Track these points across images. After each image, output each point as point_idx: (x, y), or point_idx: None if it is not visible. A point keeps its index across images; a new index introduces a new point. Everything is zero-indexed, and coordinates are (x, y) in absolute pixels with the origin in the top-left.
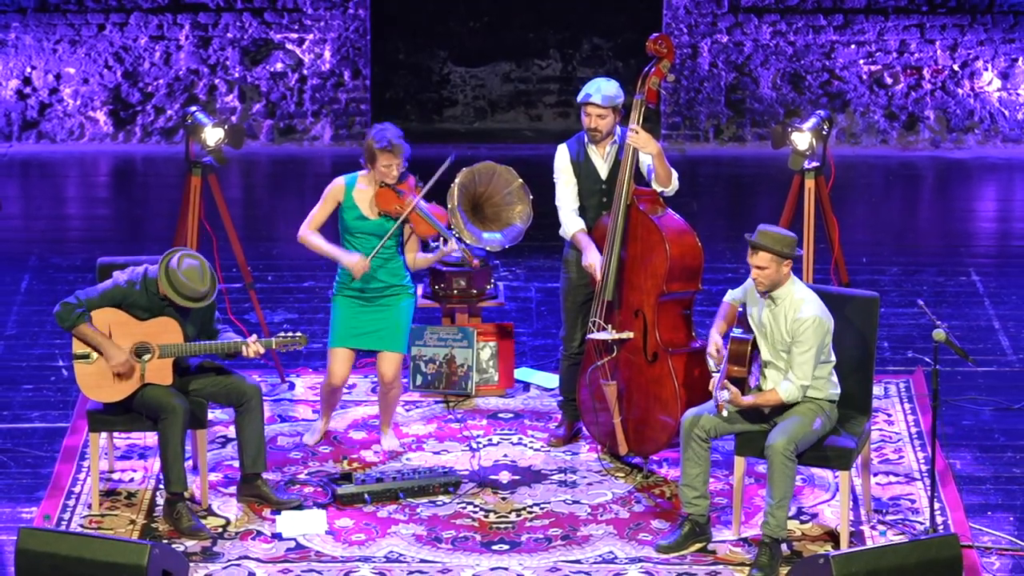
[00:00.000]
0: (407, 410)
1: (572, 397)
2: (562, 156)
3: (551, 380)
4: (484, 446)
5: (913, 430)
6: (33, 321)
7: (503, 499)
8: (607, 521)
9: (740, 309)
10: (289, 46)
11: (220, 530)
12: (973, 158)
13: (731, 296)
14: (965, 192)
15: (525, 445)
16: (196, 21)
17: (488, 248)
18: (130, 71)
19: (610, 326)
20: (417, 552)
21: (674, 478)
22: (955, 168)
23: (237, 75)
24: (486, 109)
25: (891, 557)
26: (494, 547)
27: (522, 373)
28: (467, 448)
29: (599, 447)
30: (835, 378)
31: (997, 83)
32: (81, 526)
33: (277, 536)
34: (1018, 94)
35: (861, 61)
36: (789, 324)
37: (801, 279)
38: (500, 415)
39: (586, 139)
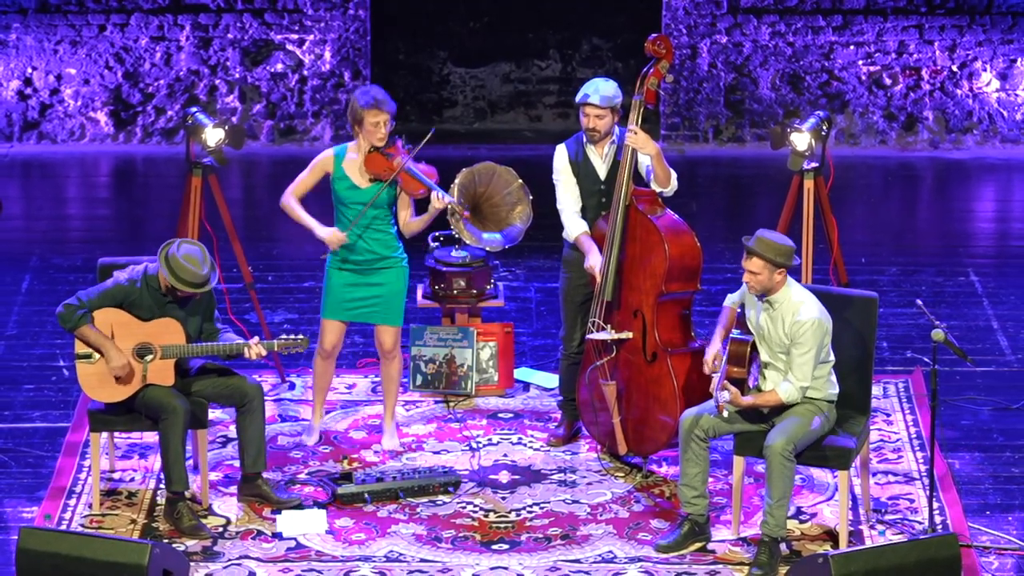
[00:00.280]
0: (407, 410)
1: (572, 397)
2: (561, 156)
3: (551, 380)
4: (484, 446)
5: (912, 430)
6: (34, 321)
7: (503, 499)
8: (607, 521)
9: (739, 311)
10: (289, 47)
11: (221, 530)
12: (972, 159)
13: (730, 300)
14: (964, 193)
15: (525, 445)
16: (197, 22)
17: (488, 248)
18: (131, 72)
19: (609, 326)
20: (417, 552)
21: (673, 477)
22: (954, 169)
23: (237, 76)
24: (486, 110)
25: (890, 557)
26: (494, 547)
27: (522, 373)
28: (467, 448)
29: (599, 447)
30: (834, 378)
31: (996, 84)
32: (82, 526)
33: (277, 536)
34: (1016, 95)
35: (860, 62)
36: (788, 327)
37: (800, 280)
38: (500, 415)
39: (585, 139)
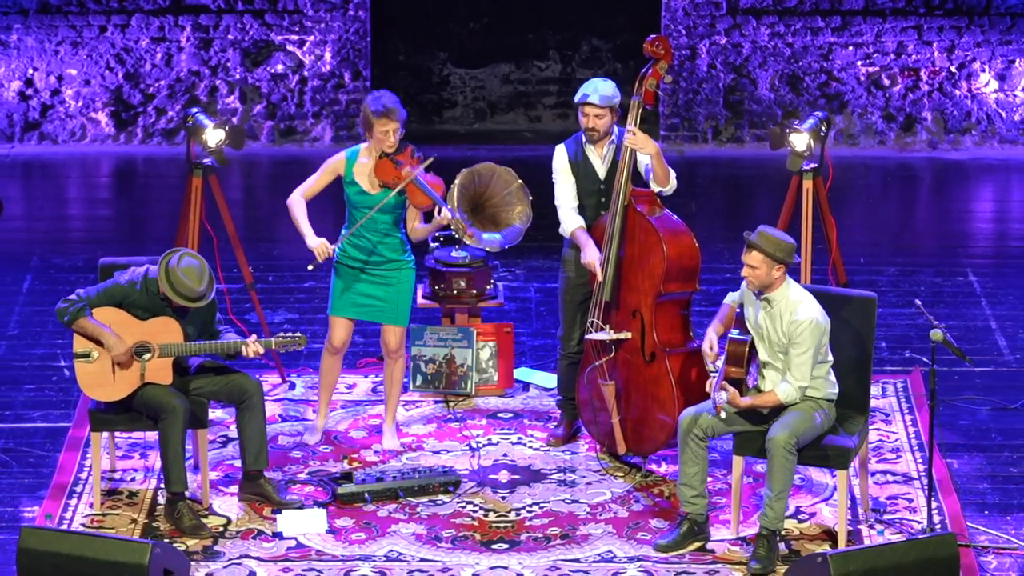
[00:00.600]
0: (407, 410)
1: (571, 397)
2: (560, 156)
3: (550, 380)
4: (484, 446)
5: (910, 430)
6: (35, 321)
7: (502, 498)
8: (606, 520)
9: (738, 310)
10: (290, 47)
11: (221, 529)
12: (970, 159)
13: (730, 298)
14: (962, 193)
15: (524, 445)
16: (197, 23)
17: (488, 249)
18: (131, 72)
19: (608, 326)
20: (417, 551)
21: (672, 476)
22: (952, 169)
23: (238, 76)
24: (486, 110)
25: (888, 556)
26: (494, 546)
27: (522, 373)
28: (467, 448)
29: (598, 447)
30: (833, 377)
31: (994, 84)
32: (83, 525)
33: (278, 535)
34: (1015, 95)
35: (859, 63)
36: (786, 326)
37: (799, 280)
38: (500, 415)
39: (584, 139)
